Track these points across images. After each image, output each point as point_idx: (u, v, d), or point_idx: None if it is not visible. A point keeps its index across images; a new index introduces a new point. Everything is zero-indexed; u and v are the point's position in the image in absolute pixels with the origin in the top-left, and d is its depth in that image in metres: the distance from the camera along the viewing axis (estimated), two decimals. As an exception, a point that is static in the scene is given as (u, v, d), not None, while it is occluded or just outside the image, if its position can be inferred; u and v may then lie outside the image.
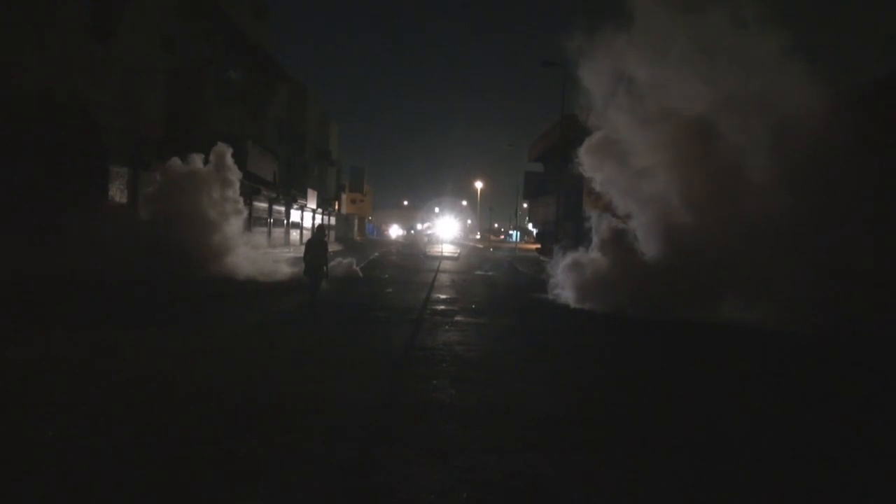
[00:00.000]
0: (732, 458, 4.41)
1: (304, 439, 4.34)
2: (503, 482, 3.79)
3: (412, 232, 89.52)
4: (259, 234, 28.23)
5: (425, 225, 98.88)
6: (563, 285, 14.24)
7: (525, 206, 58.95)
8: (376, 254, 31.12)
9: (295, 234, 35.66)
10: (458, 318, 10.96)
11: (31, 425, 4.40)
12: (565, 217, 28.85)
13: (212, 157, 15.73)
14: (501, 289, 17.73)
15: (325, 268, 11.25)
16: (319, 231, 12.09)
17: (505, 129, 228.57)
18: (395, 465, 3.96)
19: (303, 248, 11.63)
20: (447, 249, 46.06)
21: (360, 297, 13.38)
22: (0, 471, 3.66)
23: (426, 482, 3.73)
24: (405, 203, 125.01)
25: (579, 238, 27.77)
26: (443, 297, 14.48)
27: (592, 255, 14.25)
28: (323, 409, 5.11)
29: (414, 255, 26.89)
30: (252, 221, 26.88)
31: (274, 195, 29.72)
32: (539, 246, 37.97)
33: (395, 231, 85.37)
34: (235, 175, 16.09)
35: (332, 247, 36.17)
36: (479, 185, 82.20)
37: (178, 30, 18.76)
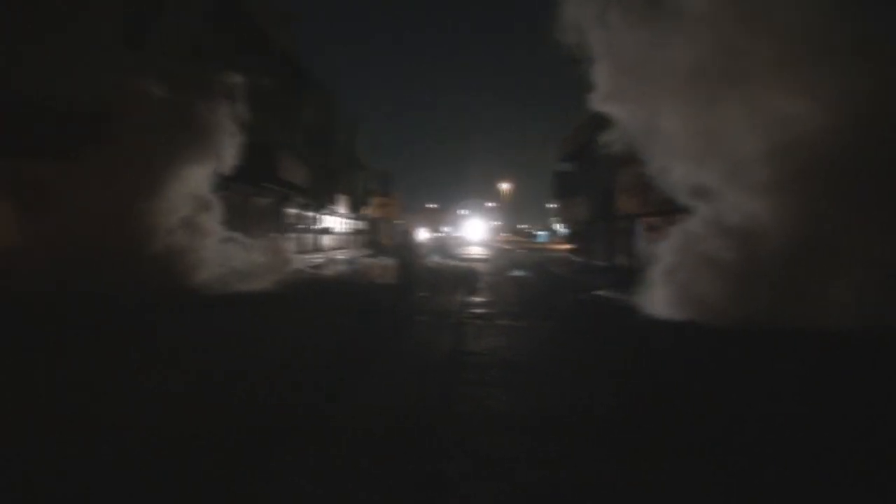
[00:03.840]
0: None
1: (352, 456, 4.17)
2: (568, 496, 3.59)
3: (440, 235, 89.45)
4: (290, 241, 28.37)
5: (451, 227, 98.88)
6: (654, 284, 11.34)
7: (553, 205, 58.52)
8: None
9: (326, 239, 35.78)
10: (499, 321, 10.75)
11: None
12: (598, 217, 28.46)
13: None
14: (538, 290, 17.47)
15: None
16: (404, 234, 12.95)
17: (532, 130, 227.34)
18: (457, 480, 3.77)
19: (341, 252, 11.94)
20: (477, 251, 45.96)
21: (392, 301, 13.25)
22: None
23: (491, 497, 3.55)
24: (432, 205, 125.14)
25: (612, 238, 27.45)
26: (478, 299, 14.29)
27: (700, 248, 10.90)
28: (375, 416, 4.95)
29: (443, 258, 26.75)
30: (283, 227, 27.02)
31: (304, 201, 29.82)
32: (570, 246, 37.56)
33: (422, 234, 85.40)
34: None
35: (362, 251, 36.38)
36: (505, 185, 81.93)
37: (209, 39, 18.88)
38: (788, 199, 10.01)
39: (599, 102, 12.15)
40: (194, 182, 14.36)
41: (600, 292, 15.21)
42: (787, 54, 10.05)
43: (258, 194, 23.43)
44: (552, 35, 11.91)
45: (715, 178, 10.77)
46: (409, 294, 13.79)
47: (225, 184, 18.94)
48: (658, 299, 10.99)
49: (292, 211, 28.83)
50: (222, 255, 14.64)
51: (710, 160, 10.70)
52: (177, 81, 14.41)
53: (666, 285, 11.03)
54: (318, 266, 20.52)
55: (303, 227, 30.76)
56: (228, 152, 14.99)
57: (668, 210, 18.52)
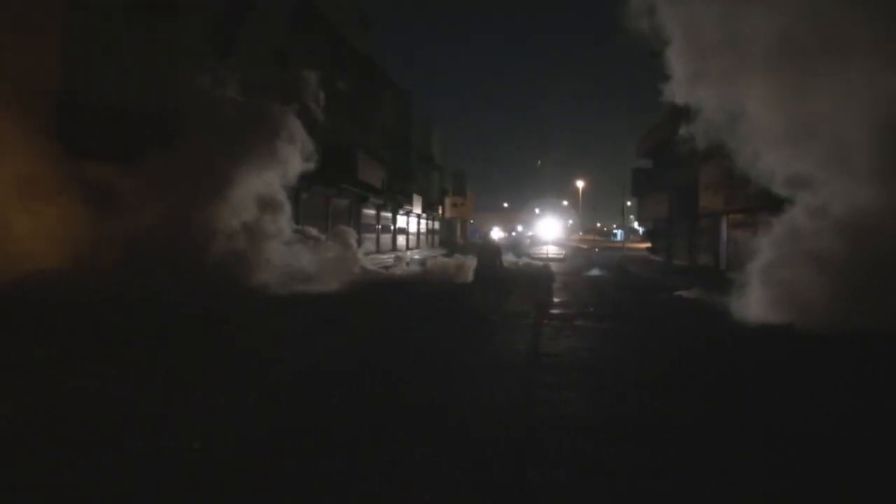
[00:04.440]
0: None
1: (441, 462, 4.17)
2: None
3: (513, 234, 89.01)
4: (368, 241, 28.94)
5: (525, 226, 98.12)
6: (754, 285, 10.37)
7: (629, 204, 57.07)
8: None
9: (401, 239, 36.27)
10: (577, 322, 10.57)
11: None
12: (679, 214, 27.54)
13: None
14: (616, 291, 17.06)
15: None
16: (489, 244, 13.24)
17: (610, 127, 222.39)
18: (545, 487, 3.72)
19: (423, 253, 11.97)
20: (551, 251, 45.38)
21: (467, 302, 13.23)
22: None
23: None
24: (506, 205, 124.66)
25: (694, 236, 26.51)
26: (556, 300, 14.11)
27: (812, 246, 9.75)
28: (459, 420, 4.96)
29: (518, 258, 26.53)
30: (361, 228, 27.58)
31: (381, 202, 30.33)
32: (650, 245, 36.52)
33: (496, 233, 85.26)
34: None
35: (437, 251, 36.61)
36: (580, 184, 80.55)
37: (289, 44, 19.52)
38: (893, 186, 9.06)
39: (678, 89, 11.32)
40: (262, 184, 14.52)
41: (683, 293, 14.71)
42: (888, 20, 9.06)
43: (337, 195, 24.00)
44: (624, 24, 11.21)
45: (814, 164, 9.82)
46: (485, 294, 13.76)
47: (306, 185, 19.56)
48: (751, 300, 10.13)
49: (370, 211, 29.38)
50: (288, 256, 14.54)
51: (808, 144, 9.80)
52: (245, 85, 14.65)
53: (761, 285, 10.11)
54: (390, 266, 20.71)
55: (380, 227, 31.29)
56: (300, 155, 15.12)
57: (757, 207, 17.70)
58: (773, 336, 8.99)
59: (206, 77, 13.85)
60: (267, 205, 14.57)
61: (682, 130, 12.08)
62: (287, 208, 15.14)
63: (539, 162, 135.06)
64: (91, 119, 13.56)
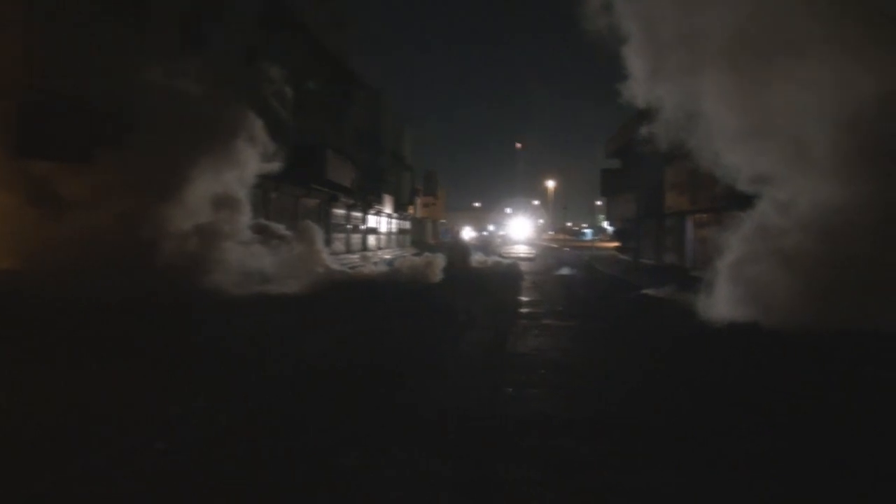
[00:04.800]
0: None
1: (411, 460, 4.22)
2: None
3: (484, 234, 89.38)
4: (338, 241, 28.79)
5: (496, 226, 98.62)
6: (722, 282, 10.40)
7: (599, 203, 57.76)
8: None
9: (372, 239, 36.15)
10: (546, 321, 10.71)
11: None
12: (646, 214, 27.98)
13: None
14: (585, 289, 17.31)
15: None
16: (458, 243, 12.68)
17: (580, 127, 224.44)
18: (510, 481, 3.80)
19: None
20: (522, 250, 45.75)
21: (438, 300, 13.32)
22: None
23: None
24: (477, 205, 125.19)
25: (661, 236, 26.96)
26: (525, 298, 14.25)
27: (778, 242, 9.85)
28: (429, 420, 5.01)
29: (488, 257, 26.69)
30: (331, 228, 27.42)
31: (351, 202, 30.22)
32: (618, 244, 37.02)
33: (467, 233, 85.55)
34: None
35: (407, 251, 36.63)
36: (550, 183, 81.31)
37: (258, 42, 19.32)
38: (861, 182, 9.10)
39: (637, 88, 11.32)
40: (219, 183, 14.00)
41: (649, 291, 14.98)
42: (842, 16, 9.11)
43: (307, 195, 23.85)
44: (582, 24, 11.24)
45: (775, 162, 9.90)
46: (453, 294, 13.84)
47: (275, 185, 19.41)
48: (715, 299, 10.27)
49: (340, 211, 29.24)
50: (246, 256, 13.93)
51: (767, 142, 9.90)
52: (208, 82, 14.12)
53: (725, 283, 10.23)
54: (357, 265, 20.60)
55: (350, 227, 31.16)
56: (261, 154, 14.71)
57: (720, 207, 18.11)
58: (737, 333, 9.14)
59: (164, 73, 13.32)
60: (224, 204, 14.04)
61: (643, 130, 12.12)
62: (246, 207, 14.57)
63: (518, 145, 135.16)
64: (42, 115, 12.84)
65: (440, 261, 18.19)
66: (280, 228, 16.38)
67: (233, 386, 5.94)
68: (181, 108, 13.44)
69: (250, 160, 14.54)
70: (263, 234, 15.52)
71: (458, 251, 13.16)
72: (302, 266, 15.37)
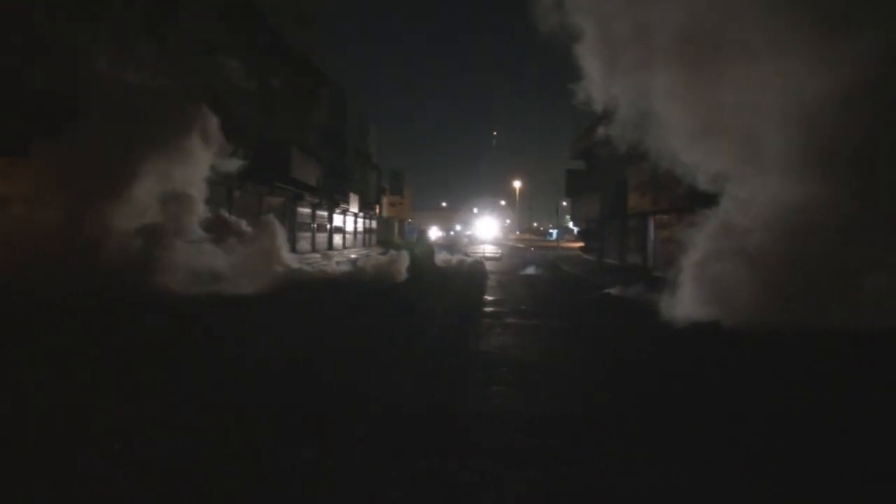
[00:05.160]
0: None
1: (373, 452, 4.21)
2: (584, 493, 3.63)
3: (451, 233, 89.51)
4: (303, 240, 28.54)
5: (462, 226, 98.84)
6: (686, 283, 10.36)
7: (565, 204, 58.37)
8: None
9: (338, 238, 35.93)
10: (509, 319, 10.78)
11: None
12: (609, 215, 28.36)
13: None
14: (549, 289, 17.47)
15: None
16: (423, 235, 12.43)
17: (546, 128, 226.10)
18: (469, 475, 3.82)
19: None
20: (488, 249, 45.91)
21: (402, 299, 13.29)
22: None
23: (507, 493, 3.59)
24: (444, 204, 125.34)
25: (624, 236, 27.38)
26: (490, 298, 14.32)
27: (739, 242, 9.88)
28: (391, 411, 5.01)
29: (454, 256, 26.77)
30: (296, 227, 27.16)
31: (317, 200, 29.98)
32: (583, 244, 37.46)
33: (434, 233, 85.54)
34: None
35: (374, 250, 36.51)
36: (517, 184, 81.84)
37: (222, 37, 19.03)
38: (815, 182, 9.16)
39: (592, 86, 11.22)
40: (169, 179, 13.40)
41: (611, 291, 15.20)
42: (791, 16, 9.13)
43: (271, 193, 23.58)
44: (538, 21, 11.13)
45: (730, 160, 9.96)
46: (417, 293, 13.82)
47: (238, 183, 19.13)
48: (675, 298, 10.31)
49: (305, 210, 28.98)
50: (197, 255, 13.29)
51: (721, 141, 9.93)
52: (156, 73, 13.42)
53: (685, 282, 10.26)
54: (319, 263, 20.37)
55: (315, 226, 30.92)
56: (218, 151, 14.27)
57: (681, 208, 18.45)
58: (698, 333, 9.17)
59: (112, 62, 12.69)
60: (174, 201, 13.40)
61: (602, 130, 12.13)
62: (199, 205, 13.96)
63: (495, 133, 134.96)
64: None
65: (403, 258, 18.10)
66: (240, 223, 15.98)
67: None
68: (128, 99, 12.70)
69: (203, 156, 14.00)
70: (222, 228, 15.07)
71: (425, 251, 13.04)
72: (260, 265, 14.80)
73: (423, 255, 12.65)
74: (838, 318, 8.39)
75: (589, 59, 11.19)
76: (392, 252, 20.08)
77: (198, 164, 14.02)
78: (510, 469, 3.95)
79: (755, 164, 9.84)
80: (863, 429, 4.98)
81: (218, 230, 14.86)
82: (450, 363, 7.22)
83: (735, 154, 9.98)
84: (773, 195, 9.62)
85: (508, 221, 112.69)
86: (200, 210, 14.14)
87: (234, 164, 15.00)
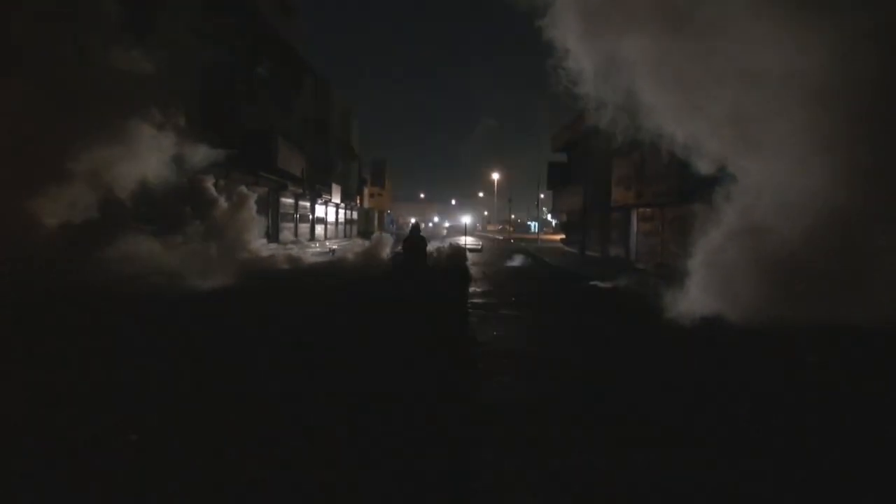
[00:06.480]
0: None
1: (367, 448, 4.30)
2: (601, 484, 3.78)
3: (430, 225, 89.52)
4: (286, 230, 28.42)
5: (442, 217, 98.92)
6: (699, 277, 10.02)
7: (542, 196, 58.66)
8: (399, 248, 31.09)
9: (319, 228, 35.82)
10: (501, 311, 10.90)
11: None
12: (592, 208, 28.65)
13: None
14: (536, 281, 17.64)
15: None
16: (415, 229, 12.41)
17: (528, 120, 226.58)
18: (469, 463, 3.95)
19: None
20: (469, 241, 45.97)
21: (380, 291, 13.29)
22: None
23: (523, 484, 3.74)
24: (422, 196, 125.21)
25: (607, 228, 27.70)
26: (478, 290, 14.42)
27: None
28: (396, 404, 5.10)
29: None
30: (280, 217, 27.04)
31: (300, 191, 29.84)
32: (564, 236, 37.80)
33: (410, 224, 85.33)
34: None
35: (353, 240, 36.35)
36: (496, 176, 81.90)
37: (207, 26, 18.82)
38: (818, 166, 8.67)
39: (568, 57, 10.59)
40: (119, 173, 12.66)
41: (598, 283, 15.43)
42: None
43: (255, 183, 23.44)
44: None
45: (725, 147, 9.69)
46: (401, 284, 13.76)
47: (223, 173, 19.00)
48: (663, 289, 10.38)
49: (288, 200, 28.85)
50: (146, 246, 12.81)
51: (701, 120, 9.60)
52: (106, 57, 12.63)
53: (672, 275, 10.18)
54: (297, 255, 20.14)
55: (298, 216, 30.80)
56: (181, 137, 13.81)
57: (664, 202, 18.76)
58: (687, 323, 9.15)
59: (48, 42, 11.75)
60: (123, 188, 12.62)
61: (586, 121, 11.93)
62: (153, 193, 13.16)
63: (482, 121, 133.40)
64: None
65: (388, 251, 17.98)
66: (212, 191, 15.41)
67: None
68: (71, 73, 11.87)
69: (162, 142, 13.35)
70: (197, 197, 14.33)
71: (414, 244, 12.99)
72: (224, 253, 13.94)
73: (416, 252, 12.31)
74: (834, 314, 8.21)
75: (560, 26, 10.53)
76: (374, 235, 19.51)
77: (156, 150, 13.19)
78: (504, 456, 4.09)
79: (753, 148, 9.45)
80: (863, 428, 5.21)
81: (197, 195, 14.09)
82: (454, 356, 7.32)
83: (733, 136, 9.59)
84: (771, 178, 9.29)
85: (487, 213, 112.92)
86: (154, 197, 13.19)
87: (209, 154, 14.51)
